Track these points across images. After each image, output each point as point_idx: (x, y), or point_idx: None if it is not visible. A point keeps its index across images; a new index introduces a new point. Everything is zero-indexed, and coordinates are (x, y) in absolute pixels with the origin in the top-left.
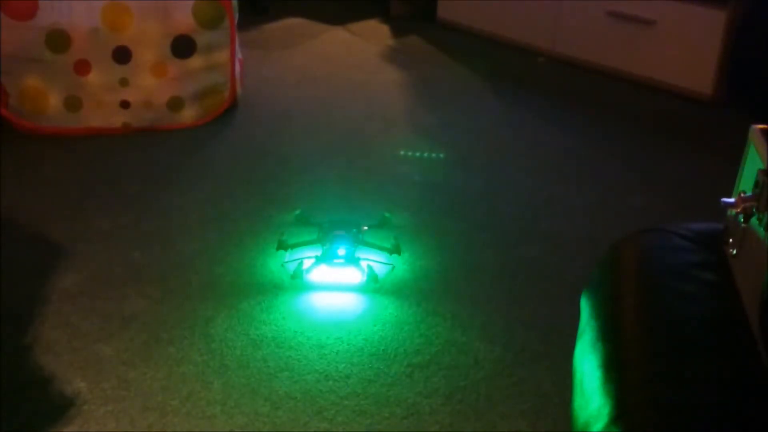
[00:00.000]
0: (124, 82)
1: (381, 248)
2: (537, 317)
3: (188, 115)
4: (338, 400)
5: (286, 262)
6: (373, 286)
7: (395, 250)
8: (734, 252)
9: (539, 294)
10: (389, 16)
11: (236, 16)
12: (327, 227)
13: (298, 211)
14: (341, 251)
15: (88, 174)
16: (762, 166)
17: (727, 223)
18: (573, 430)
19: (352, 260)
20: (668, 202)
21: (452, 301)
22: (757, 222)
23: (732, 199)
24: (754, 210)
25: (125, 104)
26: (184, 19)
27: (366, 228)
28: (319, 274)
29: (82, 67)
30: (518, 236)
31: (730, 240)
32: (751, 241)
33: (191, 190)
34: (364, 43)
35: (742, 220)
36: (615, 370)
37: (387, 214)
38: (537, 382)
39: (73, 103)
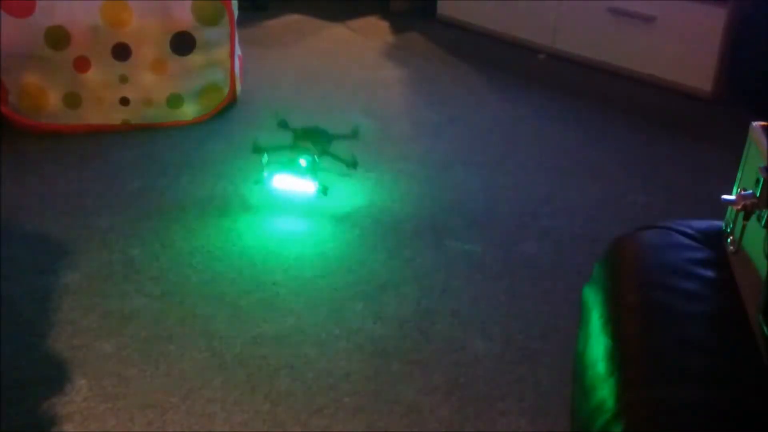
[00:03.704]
0: (123, 79)
1: (340, 160)
2: (537, 314)
3: (188, 112)
4: (338, 397)
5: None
6: (321, 197)
7: (352, 164)
8: (734, 249)
9: (539, 291)
10: (389, 13)
11: (236, 13)
12: (300, 134)
13: (280, 118)
14: (302, 162)
15: (88, 171)
16: (762, 163)
17: (727, 220)
18: (573, 427)
19: (310, 172)
20: (668, 199)
21: (452, 299)
22: (757, 220)
23: (732, 197)
24: (754, 207)
25: (125, 101)
26: (183, 16)
27: (336, 137)
28: (280, 181)
29: (82, 64)
30: (518, 233)
31: (731, 237)
32: (751, 238)
33: (191, 187)
34: (364, 39)
35: (742, 217)
36: (615, 367)
37: (359, 125)
38: (537, 379)
39: (72, 100)
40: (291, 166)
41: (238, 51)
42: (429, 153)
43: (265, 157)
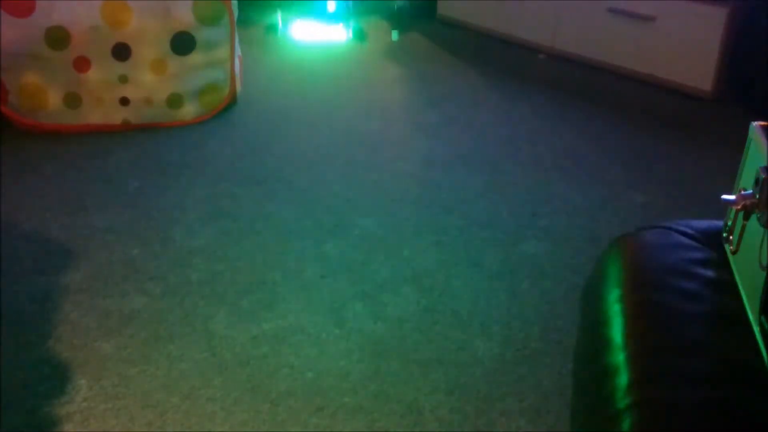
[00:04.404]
0: (123, 79)
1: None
2: (537, 314)
3: (188, 112)
4: (338, 397)
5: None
6: (358, 43)
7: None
8: (734, 249)
9: (539, 291)
10: (389, 13)
11: (236, 13)
12: None
13: None
14: (331, 5)
15: (88, 171)
16: (762, 163)
17: (727, 220)
18: (573, 427)
19: (340, 17)
20: (668, 198)
21: (452, 298)
22: (757, 219)
23: (732, 197)
24: (754, 207)
25: (125, 101)
26: (183, 16)
27: None
28: (303, 30)
29: (82, 64)
30: (518, 233)
31: (731, 237)
32: (751, 238)
33: (191, 187)
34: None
35: (742, 217)
36: (616, 367)
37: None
38: (537, 379)
39: (72, 100)
40: (316, 13)
41: (238, 51)
42: (429, 153)
43: (279, 14)
